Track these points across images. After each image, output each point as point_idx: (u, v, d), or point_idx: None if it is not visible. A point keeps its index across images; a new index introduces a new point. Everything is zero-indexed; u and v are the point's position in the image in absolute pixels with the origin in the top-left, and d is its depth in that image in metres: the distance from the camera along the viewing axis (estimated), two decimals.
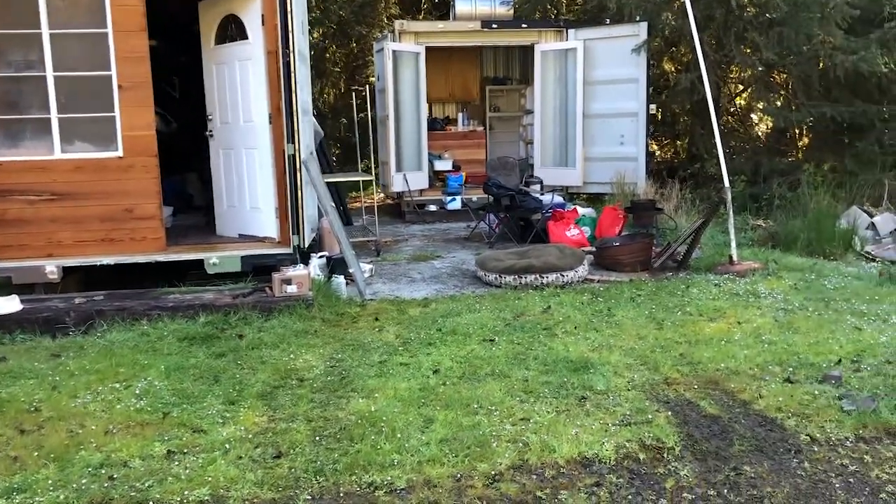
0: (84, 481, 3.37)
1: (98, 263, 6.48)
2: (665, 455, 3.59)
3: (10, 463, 3.56)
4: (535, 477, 3.39)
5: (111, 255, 6.54)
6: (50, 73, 6.32)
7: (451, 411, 4.03)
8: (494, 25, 11.31)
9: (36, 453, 3.65)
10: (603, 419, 3.96)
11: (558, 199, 9.87)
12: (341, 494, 3.28)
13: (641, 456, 3.58)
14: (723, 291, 6.44)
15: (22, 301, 5.84)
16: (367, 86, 11.12)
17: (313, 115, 9.34)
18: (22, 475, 3.43)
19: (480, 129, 13.65)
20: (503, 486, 3.32)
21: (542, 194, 9.77)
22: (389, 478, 3.38)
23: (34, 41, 6.27)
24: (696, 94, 10.30)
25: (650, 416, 3.99)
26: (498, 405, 4.13)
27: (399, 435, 3.76)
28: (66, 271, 6.40)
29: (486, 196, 9.66)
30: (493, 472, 3.42)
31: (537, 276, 6.77)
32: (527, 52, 12.59)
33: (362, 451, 3.61)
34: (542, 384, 4.42)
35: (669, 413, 4.04)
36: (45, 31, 6.25)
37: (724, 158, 7.31)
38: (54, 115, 6.38)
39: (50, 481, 3.36)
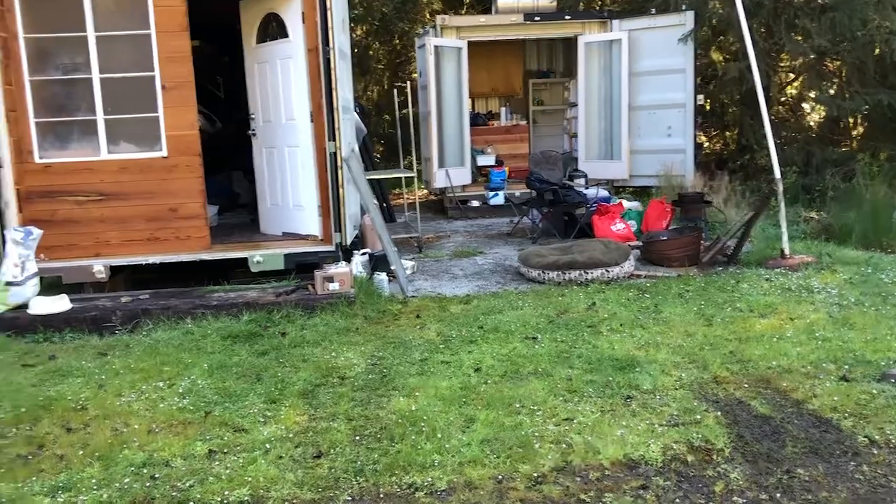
0: (127, 480, 3.39)
1: (144, 263, 6.57)
2: (714, 457, 3.48)
3: (56, 461, 3.60)
4: (578, 479, 3.31)
5: (157, 254, 6.63)
6: (96, 75, 6.42)
7: (493, 411, 3.96)
8: (537, 18, 11.18)
9: (81, 452, 3.69)
10: (649, 419, 3.86)
11: (603, 192, 9.72)
12: (381, 495, 3.24)
13: (689, 458, 3.47)
14: (774, 286, 6.24)
15: (71, 300, 5.94)
16: (410, 82, 11.08)
17: (356, 112, 9.34)
18: (67, 473, 3.46)
19: (523, 123, 13.52)
20: (546, 489, 3.24)
21: (586, 188, 9.63)
22: (430, 479, 3.33)
23: (80, 44, 6.37)
24: (746, 84, 10.05)
25: (699, 417, 3.87)
26: (541, 405, 4.04)
27: (440, 435, 3.71)
28: (114, 270, 6.50)
29: (529, 191, 9.55)
30: (535, 474, 3.35)
31: (581, 271, 6.65)
32: (570, 44, 12.43)
33: (403, 451, 3.57)
34: (587, 383, 4.32)
35: (719, 413, 3.91)
36: (91, 34, 6.35)
37: (775, 149, 7.09)
38: (100, 117, 6.48)
39: (94, 480, 3.39)
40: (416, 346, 5.12)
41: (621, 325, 5.41)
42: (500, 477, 3.33)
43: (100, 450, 3.69)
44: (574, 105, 12.59)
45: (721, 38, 12.60)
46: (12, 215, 6.35)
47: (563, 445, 3.59)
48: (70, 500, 3.24)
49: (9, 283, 5.80)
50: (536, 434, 3.70)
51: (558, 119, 13.88)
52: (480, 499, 3.18)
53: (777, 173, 7.02)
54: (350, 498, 3.22)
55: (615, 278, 6.69)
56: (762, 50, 10.05)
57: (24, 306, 5.81)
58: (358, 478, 3.37)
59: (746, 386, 4.26)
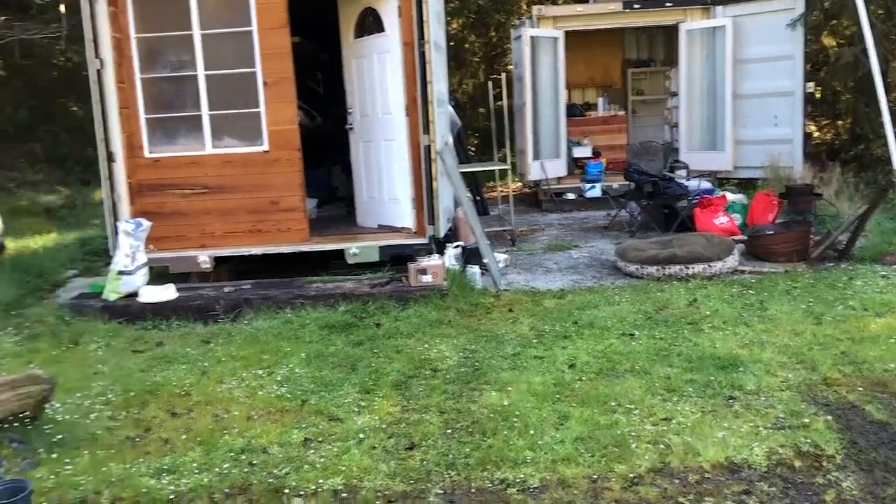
0: (226, 466, 3.49)
1: (247, 254, 6.77)
2: (824, 464, 3.29)
3: (161, 444, 3.75)
4: (677, 481, 3.20)
5: (258, 245, 6.82)
6: (201, 72, 6.65)
7: (588, 408, 3.88)
8: (637, 6, 10.87)
9: (184, 436, 3.83)
10: (753, 421, 3.69)
11: (706, 184, 9.39)
12: (473, 490, 3.22)
13: (797, 463, 3.30)
14: (891, 284, 5.87)
15: (177, 289, 6.18)
16: (505, 74, 10.99)
17: (451, 105, 9.35)
18: (171, 457, 3.60)
19: (622, 113, 13.21)
20: (642, 490, 3.15)
21: (687, 180, 9.31)
22: (522, 475, 3.29)
23: (187, 42, 6.61)
24: (861, 70, 9.48)
25: (807, 420, 3.67)
26: (637, 403, 3.93)
27: (532, 431, 3.65)
28: (218, 261, 6.73)
29: (627, 183, 9.33)
30: (631, 475, 3.26)
31: (682, 266, 6.44)
32: (671, 31, 12.05)
33: (494, 446, 3.54)
34: (686, 382, 4.18)
35: (829, 417, 3.71)
36: (197, 32, 6.58)
37: (893, 138, 6.66)
38: (205, 112, 6.71)
39: (195, 464, 3.51)
40: (508, 340, 5.08)
41: (724, 322, 5.20)
42: (594, 476, 3.26)
43: (202, 435, 3.82)
44: (675, 94, 12.19)
45: (834, 21, 11.96)
46: (124, 208, 6.66)
47: (661, 446, 3.48)
48: (173, 482, 3.36)
49: (121, 273, 6.09)
50: (633, 433, 3.60)
51: (658, 109, 13.49)
52: (574, 498, 3.11)
53: (895, 163, 6.59)
54: (441, 491, 3.22)
55: (718, 274, 6.44)
56: (880, 33, 9.45)
57: (135, 294, 6.08)
58: (450, 471, 3.36)
59: (860, 389, 4.02)
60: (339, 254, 6.79)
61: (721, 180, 10.78)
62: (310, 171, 7.15)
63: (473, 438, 3.65)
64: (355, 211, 7.98)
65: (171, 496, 3.24)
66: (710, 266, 6.44)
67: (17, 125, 15.51)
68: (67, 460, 3.57)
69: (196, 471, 3.45)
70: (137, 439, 3.83)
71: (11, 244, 9.41)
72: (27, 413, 3.81)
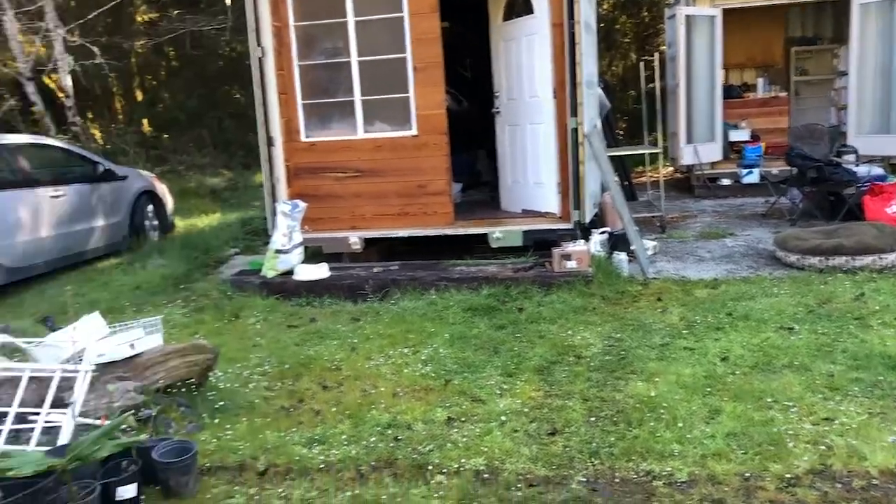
0: (373, 439, 3.60)
1: (395, 236, 6.94)
2: None
3: (312, 416, 3.92)
4: (839, 486, 2.99)
5: (405, 228, 6.97)
6: (354, 59, 6.85)
7: (741, 404, 3.70)
8: None
9: (334, 409, 3.98)
10: None
11: (877, 170, 8.68)
12: (616, 480, 3.15)
13: None
14: None
15: (330, 268, 6.44)
16: (657, 55, 10.62)
17: (600, 87, 9.14)
18: (322, 428, 3.76)
19: (783, 94, 12.43)
20: (799, 492, 2.96)
21: (856, 165, 8.65)
22: (669, 468, 3.18)
23: (341, 29, 6.83)
24: None
25: None
26: (796, 401, 3.71)
27: (681, 424, 3.53)
28: (367, 242, 6.94)
29: (788, 168, 8.78)
30: (787, 475, 3.08)
31: (848, 258, 5.99)
32: (840, 6, 11.20)
33: (640, 436, 3.45)
34: (851, 381, 3.89)
35: None
36: (351, 20, 6.78)
37: None
38: (357, 98, 6.91)
39: (344, 436, 3.65)
40: (656, 329, 4.93)
41: (895, 318, 4.80)
42: (747, 474, 3.10)
43: (350, 408, 3.96)
44: (844, 74, 11.34)
45: None
46: (282, 189, 6.99)
47: (822, 447, 3.26)
48: (323, 452, 3.51)
49: (278, 251, 6.41)
50: (790, 432, 3.40)
51: (824, 90, 12.59)
52: (724, 495, 2.98)
53: None
54: (584, 479, 3.17)
55: (889, 266, 5.95)
56: None
57: (291, 272, 6.39)
58: (593, 459, 3.31)
59: None
60: (483, 237, 6.82)
61: (894, 166, 9.95)
62: (455, 155, 7.22)
63: (618, 428, 3.57)
64: (499, 195, 7.99)
65: (322, 465, 3.38)
66: (880, 258, 5.96)
67: (188, 113, 16.70)
68: (228, 426, 3.81)
69: (345, 442, 3.58)
70: (291, 409, 4.02)
71: (180, 223, 10.17)
72: (193, 380, 4.09)
